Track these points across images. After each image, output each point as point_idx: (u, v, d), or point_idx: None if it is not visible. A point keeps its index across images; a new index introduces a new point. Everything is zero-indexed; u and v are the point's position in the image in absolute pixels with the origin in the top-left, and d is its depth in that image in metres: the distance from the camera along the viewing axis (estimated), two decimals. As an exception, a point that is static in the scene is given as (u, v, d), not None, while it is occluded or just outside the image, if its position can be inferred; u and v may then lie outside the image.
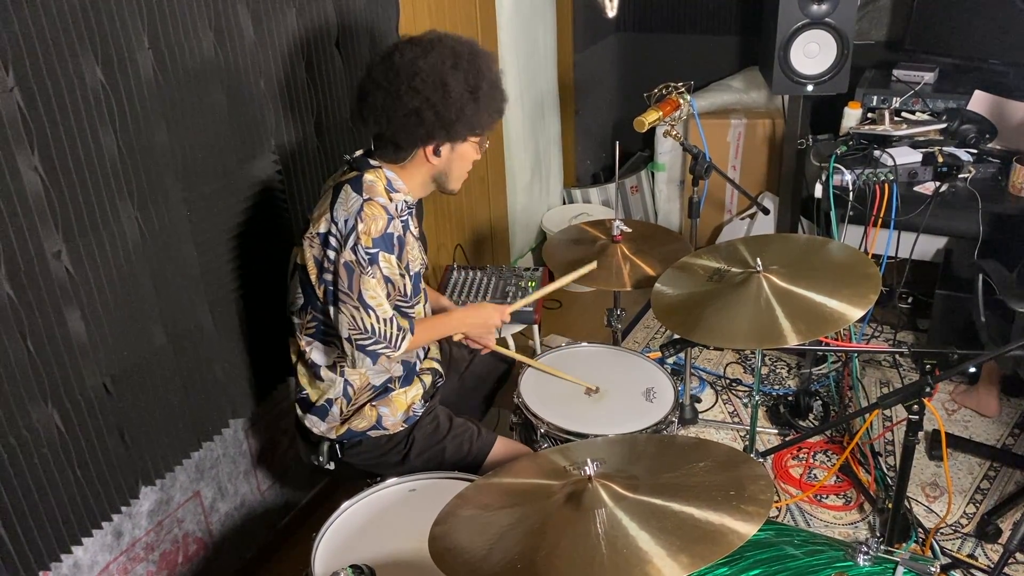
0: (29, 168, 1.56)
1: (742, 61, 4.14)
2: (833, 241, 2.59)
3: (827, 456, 2.82)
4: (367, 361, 1.83)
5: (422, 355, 2.08)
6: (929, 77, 3.21)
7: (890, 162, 2.75)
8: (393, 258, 1.81)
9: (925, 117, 3.05)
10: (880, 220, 2.73)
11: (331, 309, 1.82)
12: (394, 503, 1.82)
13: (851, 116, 3.06)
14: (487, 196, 3.60)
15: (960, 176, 2.74)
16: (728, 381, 3.22)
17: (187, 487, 2.18)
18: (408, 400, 2.00)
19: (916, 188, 2.78)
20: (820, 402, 3.03)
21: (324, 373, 1.94)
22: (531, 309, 2.59)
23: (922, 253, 2.93)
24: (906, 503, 2.48)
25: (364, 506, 1.82)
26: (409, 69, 1.74)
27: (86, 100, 1.64)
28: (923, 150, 2.81)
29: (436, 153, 1.85)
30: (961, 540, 2.47)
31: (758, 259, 2.08)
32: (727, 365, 3.31)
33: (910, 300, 3.40)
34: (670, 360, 3.04)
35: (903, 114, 3.07)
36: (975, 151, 2.85)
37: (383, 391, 1.97)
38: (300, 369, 1.99)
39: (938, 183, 2.73)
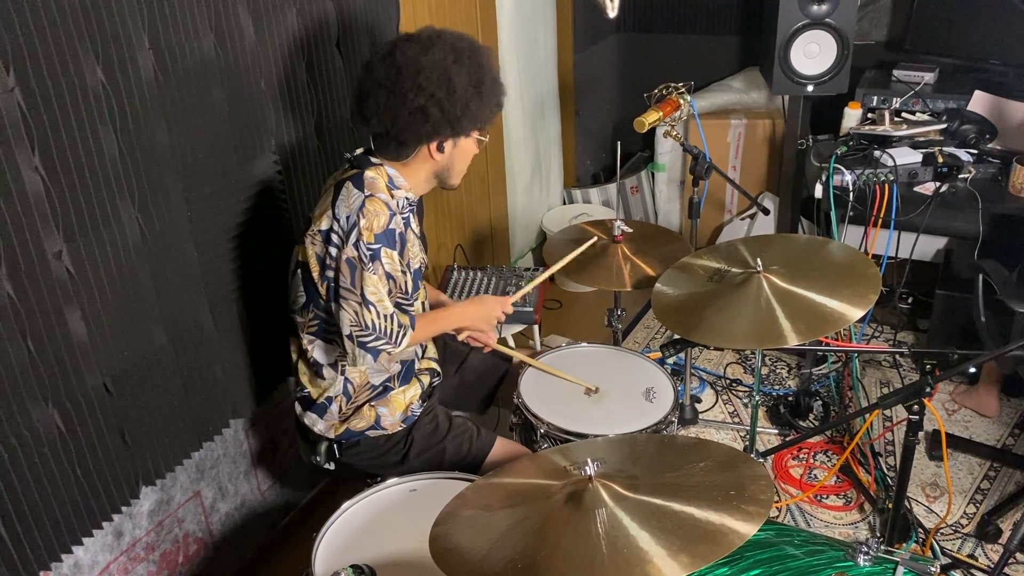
0: (30, 168, 1.57)
1: (742, 61, 4.14)
2: (833, 241, 2.59)
3: (827, 456, 2.82)
4: (368, 358, 1.83)
5: (420, 353, 2.08)
6: (929, 77, 3.21)
7: (890, 162, 2.75)
8: (395, 254, 1.82)
9: (925, 117, 3.05)
10: (880, 220, 2.73)
11: (333, 306, 1.83)
12: (395, 503, 1.82)
13: (851, 116, 3.06)
14: (487, 196, 3.60)
15: (960, 176, 2.75)
16: (728, 381, 3.22)
17: (187, 487, 2.18)
18: (407, 400, 2.01)
19: (916, 188, 2.78)
20: (820, 402, 3.03)
21: (326, 371, 1.95)
22: (531, 309, 2.60)
23: (922, 253, 2.93)
24: (906, 503, 2.48)
25: (364, 506, 1.81)
26: (412, 67, 1.74)
27: (87, 100, 1.64)
28: (923, 150, 2.81)
29: (440, 149, 1.85)
30: (961, 540, 2.47)
31: (758, 259, 2.08)
32: (727, 365, 3.31)
33: (910, 300, 3.39)
34: (670, 360, 3.04)
35: (903, 114, 3.07)
36: (975, 151, 2.85)
37: (382, 390, 1.98)
38: (301, 367, 1.99)
39: (938, 183, 2.73)
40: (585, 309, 3.79)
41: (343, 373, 1.94)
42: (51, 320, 1.66)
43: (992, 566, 2.32)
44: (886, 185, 2.71)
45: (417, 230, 1.97)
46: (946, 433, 2.80)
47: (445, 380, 2.20)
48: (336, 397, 1.95)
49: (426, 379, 2.07)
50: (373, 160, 1.87)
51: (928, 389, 1.88)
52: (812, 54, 2.84)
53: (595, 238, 2.36)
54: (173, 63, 1.82)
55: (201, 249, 1.99)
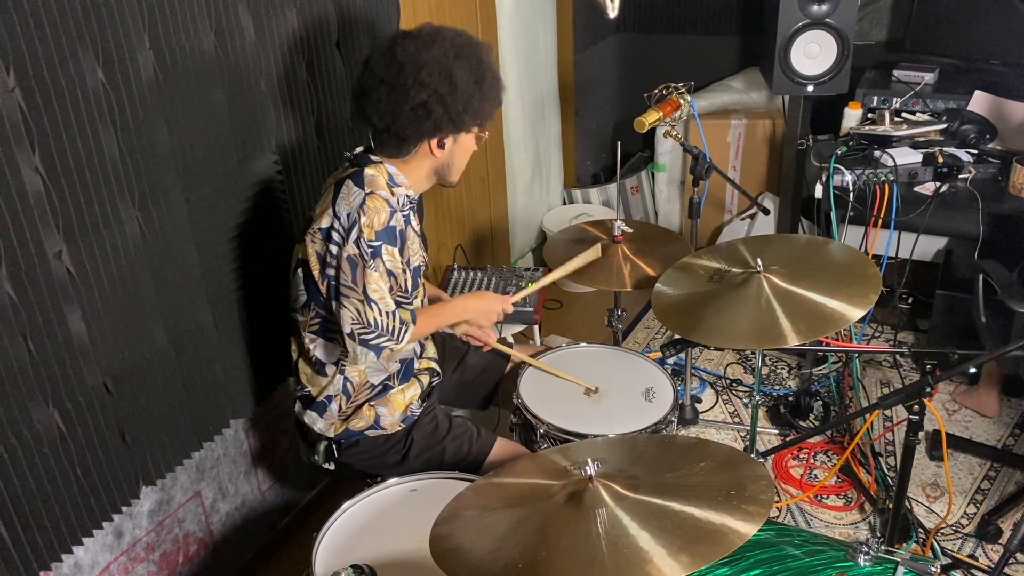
0: (30, 168, 1.57)
1: (742, 61, 4.14)
2: (833, 241, 2.59)
3: (827, 456, 2.82)
4: (370, 356, 1.83)
5: (419, 352, 2.08)
6: (929, 77, 3.21)
7: (890, 162, 2.75)
8: (396, 251, 1.82)
9: (925, 117, 3.05)
10: (880, 220, 2.73)
11: (333, 304, 1.83)
12: (395, 503, 1.82)
13: (851, 116, 3.06)
14: (487, 196, 3.60)
15: (960, 176, 2.75)
16: (728, 381, 3.22)
17: (188, 487, 2.18)
18: (406, 400, 2.00)
19: (916, 188, 2.78)
20: (820, 402, 3.03)
21: (327, 370, 1.95)
22: (531, 309, 2.60)
23: (922, 253, 2.93)
24: (907, 503, 2.48)
25: (365, 506, 1.81)
26: (414, 63, 1.74)
27: (87, 100, 1.64)
28: (923, 150, 2.81)
29: (440, 146, 1.85)
30: (961, 540, 2.47)
31: (758, 259, 2.08)
32: (727, 365, 3.31)
33: (910, 300, 3.40)
34: (670, 360, 3.04)
35: (903, 114, 3.08)
36: (975, 151, 2.85)
37: (382, 389, 1.98)
38: (301, 366, 1.99)
39: (938, 183, 2.73)
40: (585, 309, 3.79)
41: (343, 372, 1.94)
42: (51, 320, 1.66)
43: (992, 566, 2.32)
44: (886, 185, 2.71)
45: (417, 228, 1.97)
46: (946, 433, 2.80)
47: (444, 378, 2.20)
48: (336, 396, 1.95)
49: (425, 379, 2.07)
50: (373, 158, 1.87)
51: (928, 389, 1.88)
52: (812, 54, 2.84)
53: (598, 248, 2.34)
54: (173, 63, 1.82)
55: (201, 249, 1.99)
